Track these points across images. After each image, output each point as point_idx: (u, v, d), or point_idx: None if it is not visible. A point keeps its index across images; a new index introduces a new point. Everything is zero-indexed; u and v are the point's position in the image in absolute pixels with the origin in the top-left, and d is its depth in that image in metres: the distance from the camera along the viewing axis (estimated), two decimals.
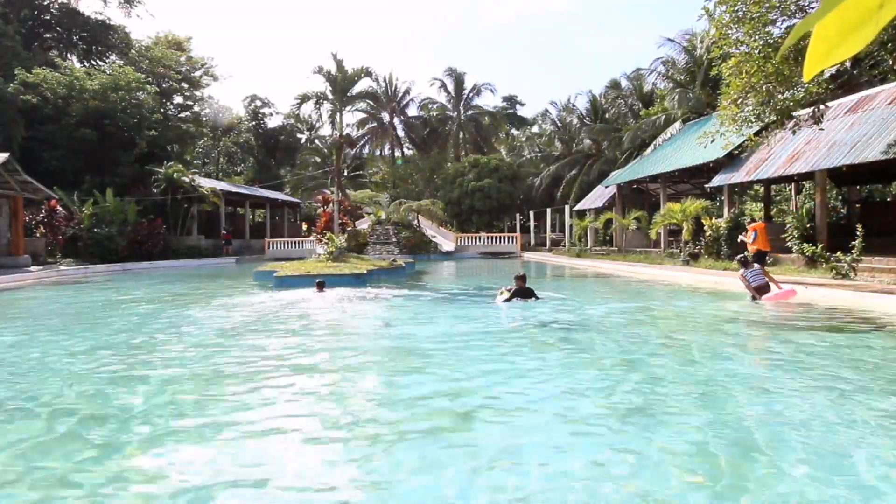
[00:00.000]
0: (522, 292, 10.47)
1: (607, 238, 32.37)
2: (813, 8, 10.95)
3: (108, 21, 41.02)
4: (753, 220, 14.20)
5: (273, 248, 34.52)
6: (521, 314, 9.47)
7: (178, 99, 44.62)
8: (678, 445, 3.55)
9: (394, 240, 33.91)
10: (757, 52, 11.30)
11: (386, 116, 55.52)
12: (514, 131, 56.75)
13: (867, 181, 24.89)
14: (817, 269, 14.17)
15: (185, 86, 43.38)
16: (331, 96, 53.00)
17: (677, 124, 29.35)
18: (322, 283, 13.06)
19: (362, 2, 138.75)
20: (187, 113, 45.83)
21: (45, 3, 39.73)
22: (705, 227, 19.29)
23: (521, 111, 58.67)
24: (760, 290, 10.48)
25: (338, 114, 54.15)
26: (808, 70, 0.78)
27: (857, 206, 23.32)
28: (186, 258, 28.28)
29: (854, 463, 3.25)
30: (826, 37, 0.75)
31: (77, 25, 39.67)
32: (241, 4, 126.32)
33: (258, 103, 54.72)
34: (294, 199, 47.89)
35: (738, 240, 14.33)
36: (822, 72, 11.64)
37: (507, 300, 10.43)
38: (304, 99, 54.63)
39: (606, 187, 30.99)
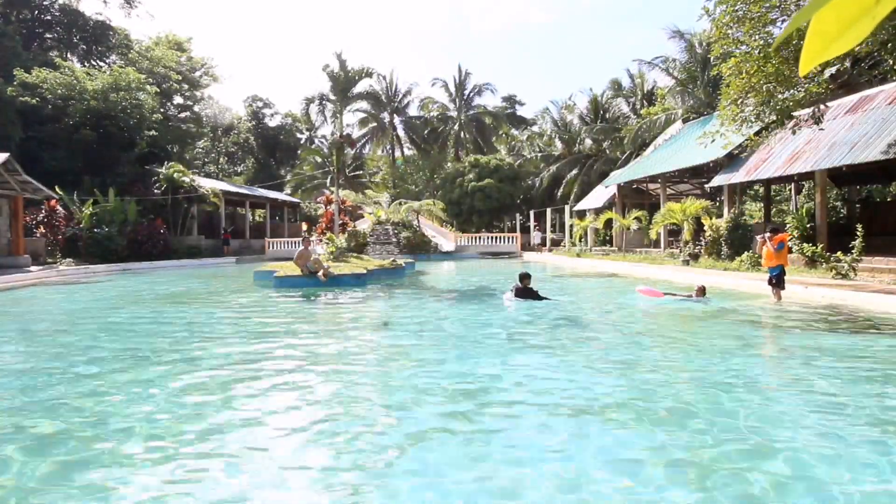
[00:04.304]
0: (523, 292, 10.43)
1: (607, 238, 32.37)
2: None
3: (108, 22, 41.05)
4: (777, 229, 10.77)
5: (273, 248, 34.51)
6: (521, 315, 9.46)
7: (178, 99, 44.63)
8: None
9: (394, 240, 33.88)
10: (757, 52, 11.30)
11: (386, 116, 55.47)
12: (514, 131, 56.69)
13: (867, 181, 24.88)
14: (817, 269, 14.17)
15: (186, 86, 43.38)
16: (332, 96, 52.98)
17: (678, 124, 29.36)
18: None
19: (364, 3, 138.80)
20: (187, 113, 45.85)
21: (46, 3, 39.73)
22: (705, 228, 19.30)
23: (521, 111, 58.66)
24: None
25: (339, 113, 54.13)
26: (804, 64, 0.78)
27: (857, 206, 23.31)
28: (187, 258, 28.28)
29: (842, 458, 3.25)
30: (822, 32, 0.75)
31: (77, 26, 39.68)
32: (241, 5, 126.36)
33: (259, 104, 54.74)
34: (294, 199, 47.87)
35: (759, 240, 11.23)
36: (822, 72, 11.65)
37: (511, 299, 10.50)
38: (309, 101, 54.84)
39: (606, 187, 31.01)
